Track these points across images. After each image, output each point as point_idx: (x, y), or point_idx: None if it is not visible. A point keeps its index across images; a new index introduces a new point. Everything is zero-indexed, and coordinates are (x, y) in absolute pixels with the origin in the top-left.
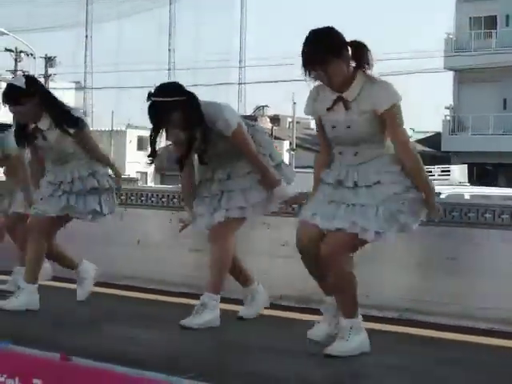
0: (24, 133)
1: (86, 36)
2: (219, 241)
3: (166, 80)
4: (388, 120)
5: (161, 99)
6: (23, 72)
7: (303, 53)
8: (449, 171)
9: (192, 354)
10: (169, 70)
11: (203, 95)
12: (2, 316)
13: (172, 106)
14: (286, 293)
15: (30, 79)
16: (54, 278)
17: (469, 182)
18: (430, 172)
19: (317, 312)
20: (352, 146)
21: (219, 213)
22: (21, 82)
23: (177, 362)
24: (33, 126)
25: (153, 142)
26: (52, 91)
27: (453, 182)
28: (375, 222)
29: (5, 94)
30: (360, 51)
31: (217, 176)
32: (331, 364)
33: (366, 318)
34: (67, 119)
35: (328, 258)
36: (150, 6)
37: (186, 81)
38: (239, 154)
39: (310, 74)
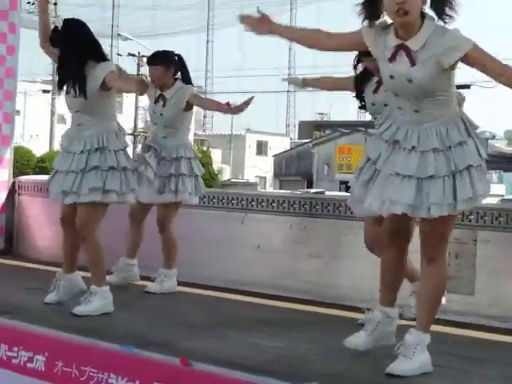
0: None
1: (208, 41)
2: None
3: (286, 85)
4: (477, 59)
5: None
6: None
7: None
8: None
9: (314, 361)
10: (289, 75)
11: (323, 99)
12: (125, 319)
13: None
14: None
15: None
16: (181, 284)
17: None
18: None
19: None
20: (413, 101)
21: None
22: None
23: (299, 370)
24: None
25: None
26: None
27: None
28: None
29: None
30: None
31: None
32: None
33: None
34: None
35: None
36: (272, 11)
37: None
38: None
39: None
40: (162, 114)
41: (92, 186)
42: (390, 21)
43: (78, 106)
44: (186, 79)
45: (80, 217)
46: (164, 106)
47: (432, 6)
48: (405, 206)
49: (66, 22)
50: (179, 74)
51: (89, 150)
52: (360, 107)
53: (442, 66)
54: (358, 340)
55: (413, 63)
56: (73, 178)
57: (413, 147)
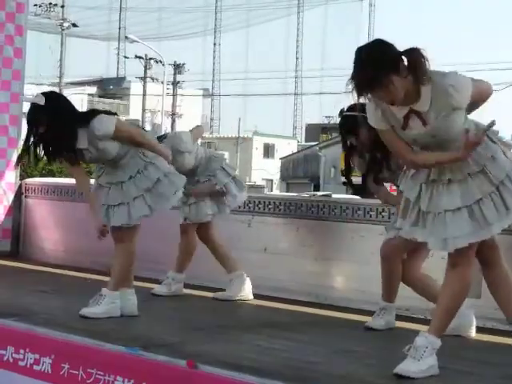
0: None
1: (215, 44)
2: None
3: (293, 88)
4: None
5: None
6: (152, 79)
7: (356, 76)
8: None
9: (320, 364)
10: (296, 77)
11: (328, 103)
12: (131, 322)
13: None
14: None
15: None
16: (188, 286)
17: None
18: None
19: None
20: (437, 147)
21: None
22: None
23: (305, 372)
24: None
25: None
26: (181, 98)
27: None
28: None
29: None
30: (414, 62)
31: None
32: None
33: None
34: None
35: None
36: (278, 15)
37: (312, 89)
38: None
39: (365, 97)
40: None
41: (142, 214)
42: None
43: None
44: None
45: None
46: None
47: (409, 72)
48: (466, 237)
49: (46, 94)
50: None
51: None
52: (344, 183)
53: (459, 107)
54: None
55: (424, 123)
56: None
57: (449, 180)
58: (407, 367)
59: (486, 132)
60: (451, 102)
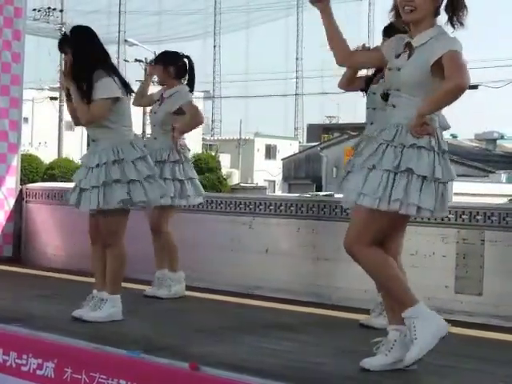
0: None
1: (215, 46)
2: None
3: (294, 88)
4: (445, 63)
5: None
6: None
7: None
8: None
9: (324, 364)
10: (296, 78)
11: (331, 102)
12: (132, 325)
13: None
14: None
15: None
16: (189, 288)
17: None
18: None
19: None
20: (394, 94)
21: None
22: None
23: (309, 373)
24: None
25: None
26: None
27: None
28: None
29: None
30: (457, 3)
31: None
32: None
33: None
34: None
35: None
36: (278, 16)
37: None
38: None
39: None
40: (155, 113)
41: (121, 199)
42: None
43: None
44: (190, 84)
45: (103, 225)
46: (160, 104)
47: (446, 11)
48: (355, 194)
49: (74, 28)
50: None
51: (105, 163)
52: (362, 89)
53: (429, 63)
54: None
55: (409, 57)
56: (96, 192)
57: (380, 139)
58: (371, 361)
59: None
60: (429, 56)
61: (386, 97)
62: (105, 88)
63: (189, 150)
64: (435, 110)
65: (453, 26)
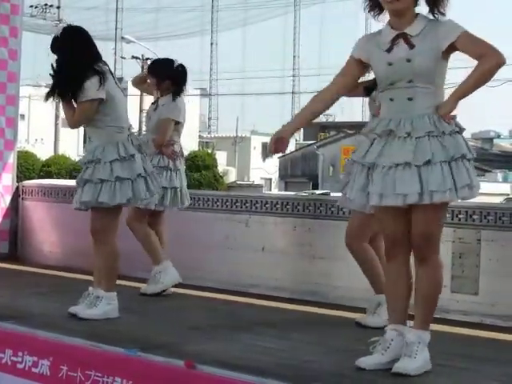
0: None
1: (212, 43)
2: None
3: (291, 86)
4: (464, 45)
5: None
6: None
7: None
8: None
9: (318, 362)
10: (293, 76)
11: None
12: (128, 323)
13: None
14: None
15: None
16: (185, 286)
17: None
18: None
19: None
20: (407, 88)
21: None
22: None
23: (303, 371)
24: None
25: None
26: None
27: None
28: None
29: None
30: None
31: None
32: None
33: None
34: None
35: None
36: (275, 14)
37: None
38: None
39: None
40: (150, 118)
41: (84, 200)
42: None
43: None
44: (179, 89)
45: (95, 222)
46: (155, 110)
47: (426, 1)
48: (416, 195)
49: (65, 29)
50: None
51: (85, 162)
52: (364, 88)
53: (440, 49)
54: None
55: (412, 46)
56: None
57: (408, 134)
58: (404, 365)
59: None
60: (440, 42)
61: (369, 91)
62: (90, 89)
63: (182, 157)
64: (473, 91)
65: (434, 15)
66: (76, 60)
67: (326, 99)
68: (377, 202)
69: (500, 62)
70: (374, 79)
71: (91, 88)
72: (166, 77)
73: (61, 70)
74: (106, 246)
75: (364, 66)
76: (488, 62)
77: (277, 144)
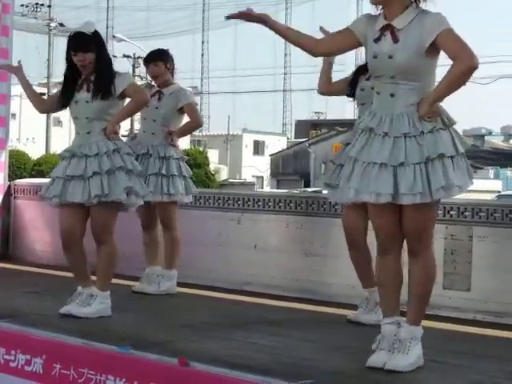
0: None
1: (203, 42)
2: None
3: (282, 84)
4: (443, 44)
5: None
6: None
7: None
8: None
9: (313, 360)
10: (284, 74)
11: (320, 99)
12: (121, 321)
13: None
14: None
15: None
16: (178, 284)
17: None
18: None
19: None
20: (390, 83)
21: None
22: None
23: (297, 369)
24: None
25: None
26: None
27: None
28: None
29: None
30: None
31: None
32: None
33: None
34: None
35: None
36: (266, 12)
37: (301, 85)
38: None
39: None
40: (157, 108)
41: (126, 186)
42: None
43: (91, 113)
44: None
45: (97, 220)
46: (159, 100)
47: None
48: (388, 195)
49: (96, 31)
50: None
51: (106, 152)
52: (348, 95)
53: (423, 45)
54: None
55: (395, 40)
56: (99, 180)
57: (385, 133)
58: (397, 362)
59: (442, 114)
60: (424, 38)
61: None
62: (125, 76)
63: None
64: (448, 94)
65: (416, 3)
66: (110, 60)
67: (303, 35)
68: (353, 196)
69: (472, 66)
70: (354, 74)
71: (126, 75)
72: (171, 60)
73: (103, 70)
74: (106, 245)
75: (353, 41)
76: (460, 66)
77: (246, 14)
